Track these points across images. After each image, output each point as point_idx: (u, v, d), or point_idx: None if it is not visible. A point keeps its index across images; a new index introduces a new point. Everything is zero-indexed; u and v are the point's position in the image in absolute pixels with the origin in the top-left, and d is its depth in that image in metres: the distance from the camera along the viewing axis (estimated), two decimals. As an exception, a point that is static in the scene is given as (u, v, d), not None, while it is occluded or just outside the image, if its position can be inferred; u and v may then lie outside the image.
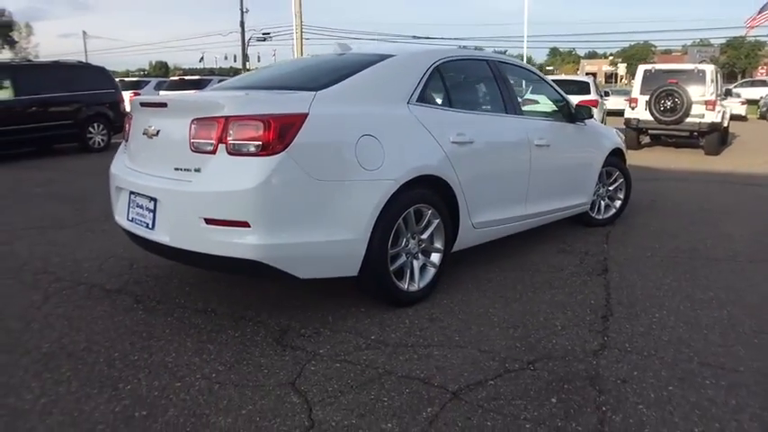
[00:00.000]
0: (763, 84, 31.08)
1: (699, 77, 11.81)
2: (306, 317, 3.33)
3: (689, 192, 7.75)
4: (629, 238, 5.21)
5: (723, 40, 70.55)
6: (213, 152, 2.86)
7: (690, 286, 3.97)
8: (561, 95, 4.92)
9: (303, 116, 2.89)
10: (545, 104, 5.26)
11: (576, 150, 4.99)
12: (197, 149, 2.92)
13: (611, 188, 5.63)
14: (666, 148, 13.55)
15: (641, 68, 12.74)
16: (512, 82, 4.60)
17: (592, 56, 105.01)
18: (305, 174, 2.84)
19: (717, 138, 12.12)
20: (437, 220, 3.50)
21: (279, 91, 3.32)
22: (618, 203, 5.71)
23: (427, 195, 3.42)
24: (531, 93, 12.51)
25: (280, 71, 4.15)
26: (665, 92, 11.66)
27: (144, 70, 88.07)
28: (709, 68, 12.03)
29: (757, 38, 61.97)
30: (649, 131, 12.85)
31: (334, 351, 2.93)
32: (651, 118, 11.99)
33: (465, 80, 4.40)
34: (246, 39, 44.05)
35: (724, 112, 12.67)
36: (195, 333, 3.14)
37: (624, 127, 12.18)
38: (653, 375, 2.71)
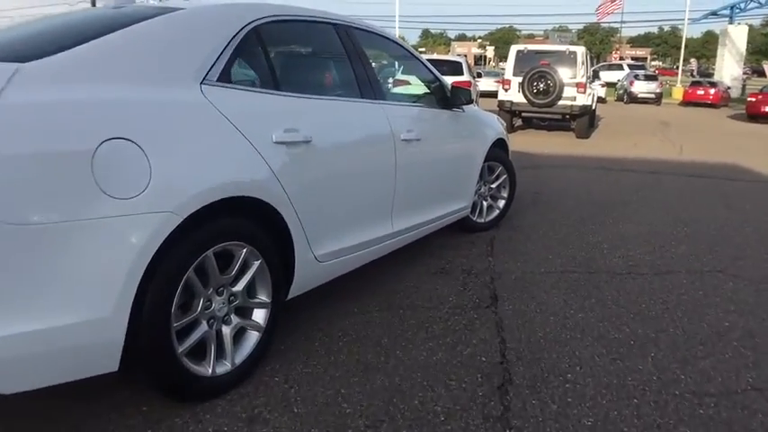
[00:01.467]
0: (619, 67, 32.83)
1: (570, 59, 11.51)
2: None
3: (570, 181, 7.16)
4: (517, 247, 4.35)
5: (581, 26, 75.03)
6: None
7: (598, 318, 3.12)
8: (435, 75, 3.89)
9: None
10: (415, 86, 4.23)
11: (453, 144, 4.00)
12: None
13: (493, 186, 4.74)
14: (538, 131, 13.29)
15: (514, 49, 12.26)
16: (370, 56, 3.51)
17: (461, 38, 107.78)
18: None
19: (587, 121, 11.96)
20: (257, 262, 2.32)
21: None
22: (501, 203, 4.84)
23: (238, 227, 2.23)
24: (403, 73, 11.60)
25: (20, 32, 2.68)
26: (538, 73, 11.23)
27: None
28: (580, 50, 11.78)
29: (610, 24, 66.32)
30: (522, 114, 12.46)
31: None
32: (524, 100, 11.54)
33: (300, 51, 3.24)
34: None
35: (593, 95, 12.57)
36: None
37: (498, 110, 11.65)
38: None
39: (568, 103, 11.37)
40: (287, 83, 2.72)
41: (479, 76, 24.43)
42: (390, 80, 12.02)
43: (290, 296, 2.65)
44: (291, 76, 2.96)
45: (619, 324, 3.07)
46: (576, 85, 11.35)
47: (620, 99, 27.31)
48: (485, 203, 4.70)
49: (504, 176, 4.76)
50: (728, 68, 30.76)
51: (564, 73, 11.28)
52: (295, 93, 2.64)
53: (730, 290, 3.67)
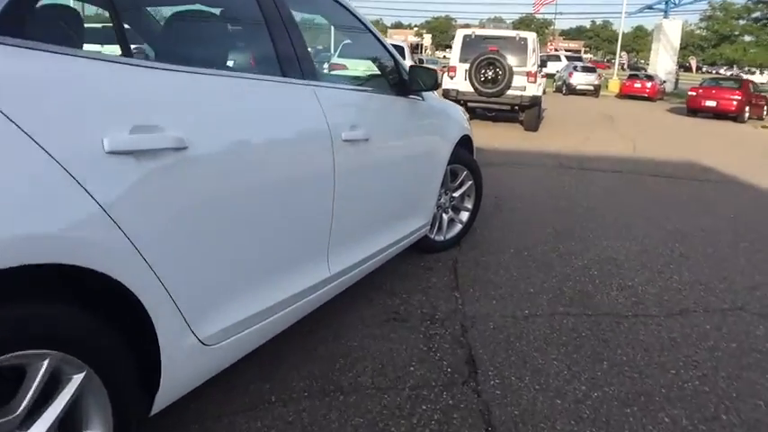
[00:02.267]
0: (557, 59, 32.73)
1: (520, 46, 10.69)
2: None
3: (530, 182, 6.29)
4: (488, 275, 3.39)
5: (516, 17, 75.54)
6: None
7: (622, 401, 2.20)
8: (388, 50, 2.84)
9: None
10: (360, 66, 3.17)
11: (411, 143, 2.97)
12: None
13: (456, 195, 3.75)
14: (484, 121, 12.46)
15: (460, 33, 11.32)
16: (301, 23, 2.44)
17: (398, 26, 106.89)
18: None
19: (537, 112, 11.22)
20: (78, 377, 1.23)
21: None
22: (465, 216, 3.87)
23: (37, 322, 1.13)
24: (340, 57, 10.47)
25: None
26: (487, 60, 10.34)
27: None
28: (531, 36, 10.98)
29: (545, 15, 67.03)
30: (468, 104, 11.58)
31: None
32: (471, 89, 10.64)
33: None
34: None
35: (542, 85, 11.86)
36: None
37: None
38: None
39: (518, 93, 10.56)
40: (145, 45, 1.63)
41: (421, 62, 23.56)
42: (325, 65, 10.89)
43: (156, 409, 1.56)
44: (154, 36, 1.86)
45: (652, 409, 2.15)
46: (526, 74, 10.56)
47: (558, 90, 27.09)
48: (445, 217, 3.71)
49: (469, 183, 3.78)
50: (662, 62, 31.15)
51: (514, 61, 10.45)
52: (158, 63, 1.54)
53: (764, 336, 2.85)
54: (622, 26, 35.18)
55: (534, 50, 10.83)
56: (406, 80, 2.84)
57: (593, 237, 4.34)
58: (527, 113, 11.11)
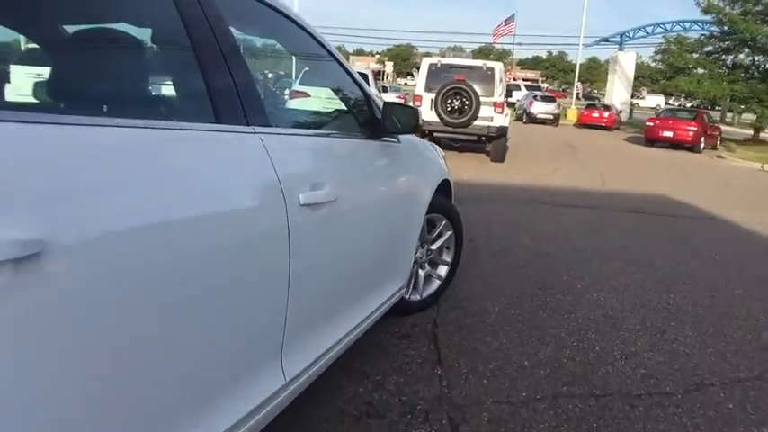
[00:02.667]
0: (517, 88, 33.07)
1: (487, 76, 10.43)
2: None
3: (506, 221, 5.88)
4: (474, 345, 2.91)
5: (475, 46, 76.78)
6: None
7: None
8: (356, 82, 2.36)
9: None
10: (322, 94, 2.68)
11: (385, 198, 2.47)
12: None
13: (433, 247, 3.27)
14: (450, 152, 12.09)
15: (426, 62, 11.01)
16: (248, 47, 1.96)
17: (359, 53, 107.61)
18: None
19: (503, 143, 10.95)
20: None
21: None
22: (443, 271, 3.39)
23: None
24: (302, 83, 9.98)
25: None
26: (453, 90, 10.03)
27: None
28: (498, 66, 10.74)
29: (503, 45, 68.24)
30: (434, 134, 11.22)
31: None
32: (437, 119, 10.29)
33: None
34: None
35: (509, 115, 11.63)
36: None
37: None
38: None
39: (485, 123, 10.26)
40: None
41: (385, 90, 23.34)
42: (286, 91, 10.33)
43: None
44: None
45: None
46: (493, 105, 10.29)
47: (519, 119, 27.26)
48: (421, 273, 3.22)
49: (449, 234, 3.31)
50: (618, 93, 31.83)
51: (480, 90, 10.16)
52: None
53: (797, 419, 2.44)
54: (579, 58, 35.99)
55: (501, 80, 10.59)
56: (379, 119, 2.37)
57: (582, 287, 3.91)
58: (494, 144, 10.83)
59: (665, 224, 6.43)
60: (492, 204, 6.79)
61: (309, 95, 7.97)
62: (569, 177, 9.72)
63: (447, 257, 3.37)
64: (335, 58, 2.26)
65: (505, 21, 47.67)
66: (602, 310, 3.52)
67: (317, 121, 2.38)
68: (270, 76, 13.70)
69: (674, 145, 18.70)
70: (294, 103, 7.85)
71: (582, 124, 26.98)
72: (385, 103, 2.41)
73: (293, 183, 1.59)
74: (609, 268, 4.42)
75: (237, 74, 1.52)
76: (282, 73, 14.79)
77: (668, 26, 32.27)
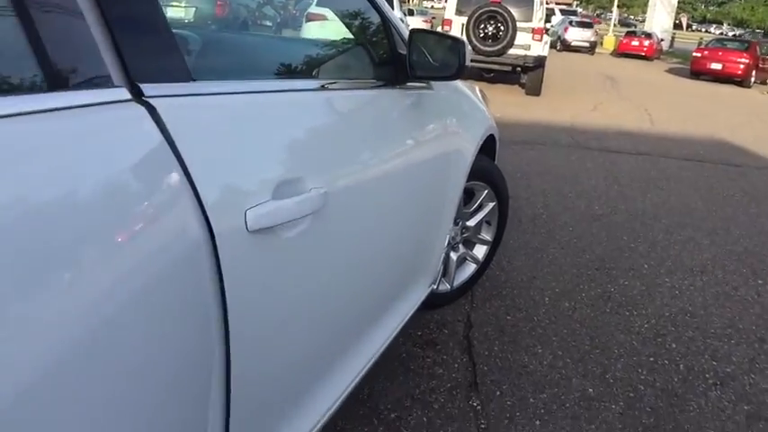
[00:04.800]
0: (552, 12, 30.94)
1: (526, -3, 9.26)
2: None
3: (548, 172, 5.06)
4: (521, 360, 2.22)
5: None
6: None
7: None
8: (377, 6, 1.53)
9: None
10: (334, 28, 1.88)
11: (409, 177, 1.67)
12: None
13: (470, 223, 2.52)
14: (479, 83, 11.09)
15: (457, -21, 9.83)
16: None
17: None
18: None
19: (541, 74, 9.89)
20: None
21: None
22: (481, 252, 2.65)
23: None
24: (319, 5, 8.94)
25: None
26: (487, 14, 8.91)
27: None
28: (539, -14, 9.53)
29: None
30: (464, 64, 10.15)
31: None
32: (469, 47, 9.24)
33: None
34: None
35: (547, 44, 10.51)
36: None
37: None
38: None
39: (521, 52, 9.20)
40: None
41: (411, 13, 21.82)
42: (295, 14, 9.28)
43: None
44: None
45: None
46: (531, 31, 9.19)
47: (552, 46, 25.52)
48: (453, 256, 2.48)
49: (491, 206, 2.55)
50: (659, 20, 29.61)
51: (517, 15, 9.03)
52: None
53: None
54: (620, -21, 33.34)
55: (541, 3, 9.44)
56: (403, 57, 1.57)
57: (650, 268, 3.17)
58: (530, 76, 9.78)
59: (731, 177, 5.56)
60: (530, 149, 5.94)
61: (327, 19, 6.95)
62: (613, 115, 8.75)
63: (487, 235, 2.62)
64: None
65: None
66: (680, 304, 2.78)
67: (307, 65, 1.55)
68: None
69: (721, 78, 17.27)
70: (309, 29, 6.86)
71: (620, 53, 25.26)
72: (412, 31, 1.60)
73: (231, 191, 0.84)
74: (677, 239, 3.65)
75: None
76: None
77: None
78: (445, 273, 2.45)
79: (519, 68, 9.59)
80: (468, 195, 2.43)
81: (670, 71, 20.53)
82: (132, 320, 0.71)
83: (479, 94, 2.64)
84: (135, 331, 0.72)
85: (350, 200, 1.23)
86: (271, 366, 1.04)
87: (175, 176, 0.77)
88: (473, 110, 2.29)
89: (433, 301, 2.42)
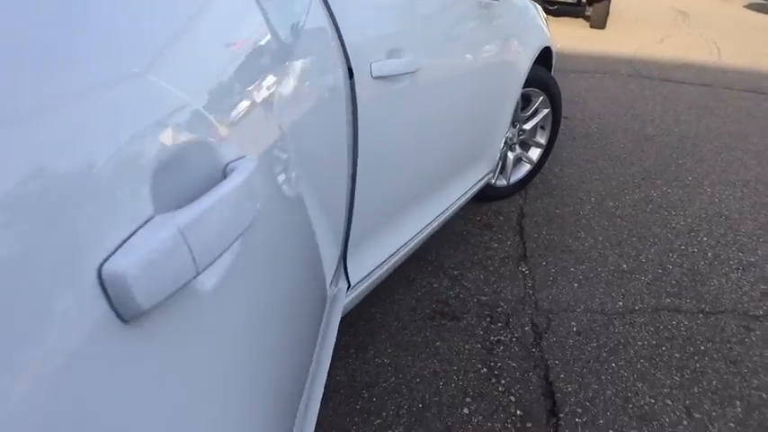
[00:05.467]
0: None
1: None
2: None
3: (605, 96, 5.25)
4: (565, 241, 2.58)
5: None
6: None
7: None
8: None
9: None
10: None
11: (476, 70, 2.02)
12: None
13: (526, 126, 2.85)
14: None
15: None
16: None
17: None
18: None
19: (607, 6, 9.74)
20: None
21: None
22: (535, 154, 2.99)
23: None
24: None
25: None
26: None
27: None
28: None
29: None
30: (528, -6, 10.09)
31: None
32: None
33: None
34: None
35: (616, -27, 10.25)
36: None
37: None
38: None
39: (588, -18, 9.09)
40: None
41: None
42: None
43: None
44: None
45: None
46: (599, -40, 9.03)
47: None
48: (510, 155, 2.84)
49: (545, 112, 2.86)
50: (744, -50, 27.61)
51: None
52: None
53: None
54: None
55: (611, -71, 9.20)
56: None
57: (693, 180, 3.43)
58: (596, 8, 9.66)
59: (793, 108, 5.58)
60: (590, 77, 6.08)
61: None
62: (679, 48, 8.62)
63: (541, 139, 2.96)
64: None
65: None
66: (717, 209, 3.06)
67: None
68: None
69: (806, 14, 16.27)
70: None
71: (696, -13, 23.90)
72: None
73: (363, 48, 1.22)
74: (725, 159, 3.86)
75: None
76: None
77: None
78: (503, 170, 2.82)
79: (584, 0, 9.48)
80: (526, 101, 2.75)
81: (749, 6, 19.36)
82: (306, 129, 1.11)
83: (541, 13, 2.91)
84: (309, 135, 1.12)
85: (435, 75, 1.60)
86: (380, 185, 1.45)
87: (330, 32, 1.16)
88: (532, 23, 2.58)
89: (492, 194, 2.81)
